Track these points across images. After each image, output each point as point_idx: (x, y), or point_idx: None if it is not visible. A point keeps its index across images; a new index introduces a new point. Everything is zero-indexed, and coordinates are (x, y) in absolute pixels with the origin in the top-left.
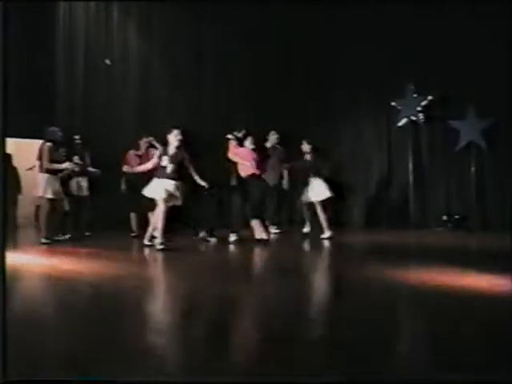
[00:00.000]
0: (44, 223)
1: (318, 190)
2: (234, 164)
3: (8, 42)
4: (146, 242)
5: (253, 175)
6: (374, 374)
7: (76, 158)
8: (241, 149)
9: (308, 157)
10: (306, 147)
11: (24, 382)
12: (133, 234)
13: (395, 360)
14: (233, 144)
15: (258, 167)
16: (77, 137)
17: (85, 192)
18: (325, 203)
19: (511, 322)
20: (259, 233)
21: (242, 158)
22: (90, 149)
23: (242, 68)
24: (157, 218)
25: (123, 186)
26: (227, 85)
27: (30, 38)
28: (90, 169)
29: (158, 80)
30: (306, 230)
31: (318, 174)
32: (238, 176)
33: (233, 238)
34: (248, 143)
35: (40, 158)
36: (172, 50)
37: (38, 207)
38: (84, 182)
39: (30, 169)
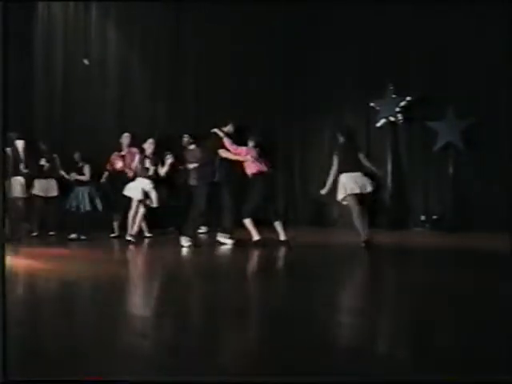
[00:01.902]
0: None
1: None
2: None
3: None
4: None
5: (259, 173)
6: (373, 374)
7: (43, 160)
8: (242, 148)
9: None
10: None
11: (24, 382)
12: (113, 235)
13: (390, 360)
14: (228, 142)
15: (262, 164)
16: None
17: (54, 193)
18: None
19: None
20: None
21: (246, 155)
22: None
23: (223, 66)
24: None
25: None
26: (208, 84)
27: (8, 38)
28: (62, 172)
29: (138, 80)
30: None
31: None
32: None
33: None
34: (250, 143)
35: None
36: (152, 50)
37: None
38: (53, 183)
39: None
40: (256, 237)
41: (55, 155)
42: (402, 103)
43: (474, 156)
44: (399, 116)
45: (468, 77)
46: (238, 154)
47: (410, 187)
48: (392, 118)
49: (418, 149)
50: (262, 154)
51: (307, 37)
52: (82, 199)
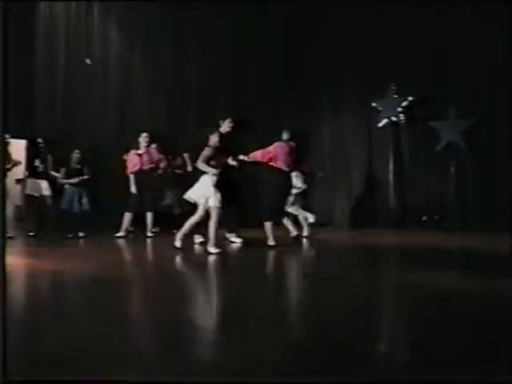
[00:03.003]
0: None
1: None
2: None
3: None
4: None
5: (285, 171)
6: (373, 374)
7: (38, 161)
8: (270, 148)
9: None
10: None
11: (24, 382)
12: (118, 235)
13: (389, 360)
14: (258, 153)
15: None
16: (40, 140)
17: (46, 192)
18: None
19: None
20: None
21: (276, 154)
22: (52, 151)
23: (224, 67)
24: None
25: (133, 187)
26: (209, 83)
27: (10, 37)
28: (53, 173)
29: (139, 79)
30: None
31: None
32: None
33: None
34: (284, 135)
35: None
36: (152, 50)
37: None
38: (44, 184)
39: None
40: (272, 242)
41: (49, 156)
42: (404, 103)
43: (475, 155)
44: (401, 116)
45: (468, 77)
46: (266, 154)
47: (411, 187)
48: (394, 118)
49: (420, 149)
50: (295, 149)
51: (307, 37)
52: (75, 199)
